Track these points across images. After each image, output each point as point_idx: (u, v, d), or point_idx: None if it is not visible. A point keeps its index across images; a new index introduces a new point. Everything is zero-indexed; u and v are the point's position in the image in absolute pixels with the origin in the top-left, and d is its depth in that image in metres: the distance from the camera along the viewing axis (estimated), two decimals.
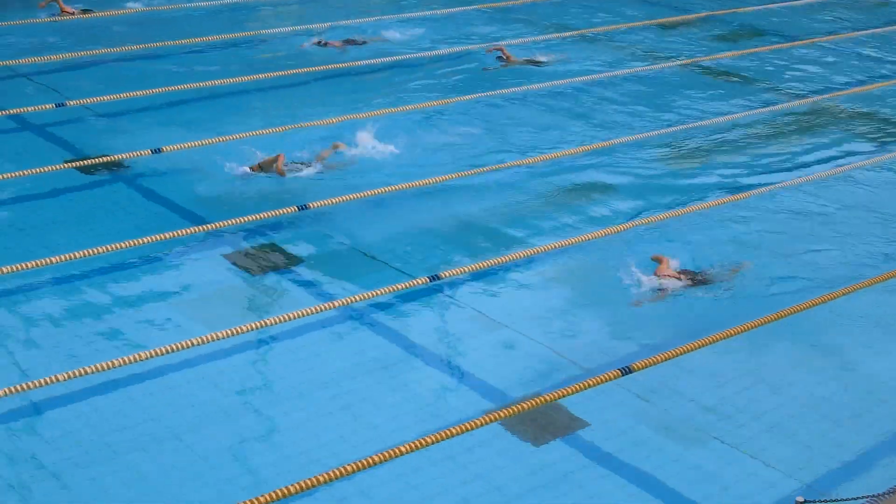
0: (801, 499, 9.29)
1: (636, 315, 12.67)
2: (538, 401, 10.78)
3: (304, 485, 9.29)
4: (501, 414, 10.53)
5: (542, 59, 22.28)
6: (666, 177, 16.83)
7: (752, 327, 12.27)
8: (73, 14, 23.58)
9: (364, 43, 22.88)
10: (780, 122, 19.58)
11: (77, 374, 10.70)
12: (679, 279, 13.07)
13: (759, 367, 11.86)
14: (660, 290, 12.95)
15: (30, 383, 10.54)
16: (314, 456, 9.96)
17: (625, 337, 12.26)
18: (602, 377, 11.18)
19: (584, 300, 13.02)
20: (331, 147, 16.61)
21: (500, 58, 22.10)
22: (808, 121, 19.68)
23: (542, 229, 14.85)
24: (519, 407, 10.63)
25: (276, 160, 15.78)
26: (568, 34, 24.59)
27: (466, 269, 13.36)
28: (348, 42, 22.84)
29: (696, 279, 13.23)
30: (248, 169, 15.82)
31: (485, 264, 13.50)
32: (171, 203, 14.94)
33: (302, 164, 16.21)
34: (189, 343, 11.39)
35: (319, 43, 22.69)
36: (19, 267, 12.67)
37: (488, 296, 13.03)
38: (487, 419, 10.41)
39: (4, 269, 12.58)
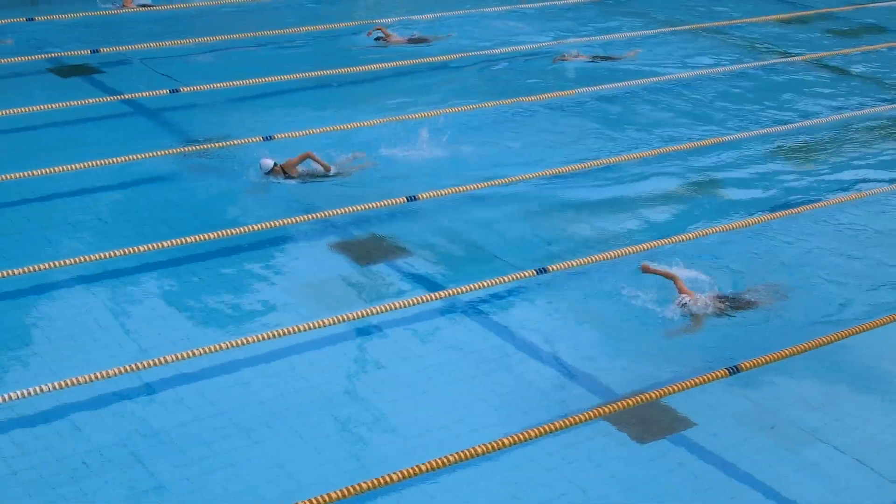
0: None
1: (742, 316, 12.49)
2: (644, 397, 10.71)
3: (406, 473, 9.34)
4: (606, 410, 10.47)
5: (617, 55, 21.92)
6: (777, 176, 16.61)
7: (858, 332, 12.12)
8: (134, 7, 23.59)
9: (425, 40, 22.46)
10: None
11: (188, 355, 10.87)
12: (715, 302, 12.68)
13: (866, 372, 11.69)
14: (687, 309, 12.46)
15: (145, 362, 10.75)
16: (417, 444, 9.98)
17: (731, 337, 12.09)
18: (709, 376, 11.07)
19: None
20: (350, 155, 16.10)
21: (560, 58, 21.53)
22: None
23: (648, 226, 14.73)
24: (624, 403, 10.57)
25: (304, 158, 15.47)
26: (681, 28, 24.38)
27: (574, 263, 13.27)
28: (416, 40, 22.36)
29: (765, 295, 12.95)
30: (270, 164, 15.21)
31: (592, 259, 13.41)
32: (280, 191, 15.03)
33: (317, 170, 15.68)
34: (295, 329, 11.49)
35: (381, 38, 22.16)
36: (133, 250, 12.87)
37: (596, 290, 12.92)
38: (592, 415, 10.37)
39: (118, 252, 12.78)
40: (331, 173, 15.51)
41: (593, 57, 21.65)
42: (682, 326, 12.18)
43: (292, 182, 15.21)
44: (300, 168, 15.41)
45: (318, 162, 15.47)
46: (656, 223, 14.78)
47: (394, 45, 21.89)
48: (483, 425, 10.32)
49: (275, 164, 15.24)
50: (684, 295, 12.30)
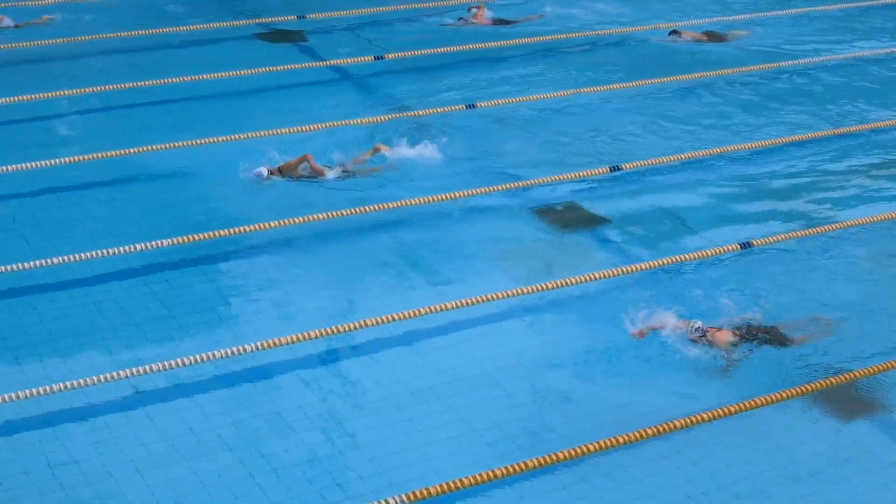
0: None
1: None
2: (846, 377, 10.47)
3: (606, 444, 9.35)
4: (807, 388, 10.27)
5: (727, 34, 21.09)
6: None
7: None
8: None
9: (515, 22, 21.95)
10: None
11: (386, 319, 10.99)
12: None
13: None
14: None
15: (333, 328, 10.91)
16: (609, 419, 9.92)
17: None
18: None
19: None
20: (370, 150, 15.05)
21: (674, 32, 20.66)
22: None
23: (849, 203, 14.39)
24: (825, 382, 10.34)
25: (302, 160, 14.43)
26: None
27: (778, 237, 13.05)
28: (500, 21, 21.63)
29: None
30: (265, 173, 14.23)
31: (799, 234, 13.16)
32: (481, 158, 15.08)
33: (328, 167, 14.60)
34: (492, 297, 11.51)
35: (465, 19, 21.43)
36: (335, 214, 13.10)
37: (800, 267, 12.66)
38: (791, 393, 10.18)
39: (330, 215, 13.02)
40: (329, 177, 14.45)
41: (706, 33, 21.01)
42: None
43: (301, 182, 14.49)
44: (300, 170, 14.50)
45: (313, 167, 14.48)
46: (853, 203, 14.42)
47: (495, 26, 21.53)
48: (676, 402, 10.17)
49: (270, 170, 14.34)
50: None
